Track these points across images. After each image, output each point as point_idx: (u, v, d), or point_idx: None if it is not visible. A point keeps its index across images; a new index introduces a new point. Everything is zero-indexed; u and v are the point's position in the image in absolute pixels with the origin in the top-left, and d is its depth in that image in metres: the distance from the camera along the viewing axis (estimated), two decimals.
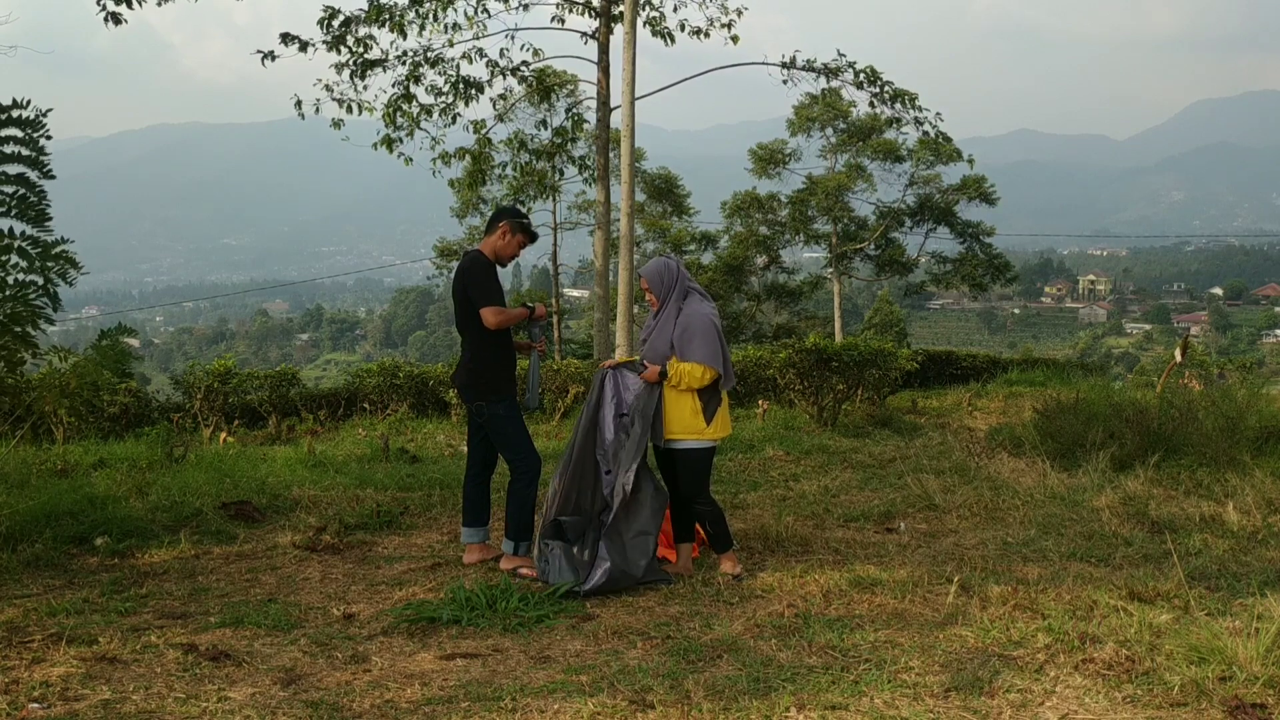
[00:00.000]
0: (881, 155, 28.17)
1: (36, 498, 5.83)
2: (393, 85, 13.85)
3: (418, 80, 13.80)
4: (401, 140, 14.07)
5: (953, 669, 3.49)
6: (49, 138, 4.75)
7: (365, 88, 13.72)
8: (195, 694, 3.33)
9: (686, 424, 4.79)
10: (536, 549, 4.91)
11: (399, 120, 13.86)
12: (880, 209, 29.34)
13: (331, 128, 13.82)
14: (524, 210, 5.43)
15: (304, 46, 13.27)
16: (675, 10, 15.13)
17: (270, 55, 13.18)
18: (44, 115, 4.71)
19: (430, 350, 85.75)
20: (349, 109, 13.68)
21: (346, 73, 13.52)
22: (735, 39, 14.75)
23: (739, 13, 14.80)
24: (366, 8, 13.19)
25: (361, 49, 13.41)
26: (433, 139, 14.26)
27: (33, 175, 4.73)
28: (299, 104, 13.72)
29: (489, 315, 4.90)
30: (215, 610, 4.34)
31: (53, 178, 4.78)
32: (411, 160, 14.11)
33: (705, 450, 4.88)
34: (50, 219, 4.79)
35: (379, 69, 13.63)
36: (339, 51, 13.37)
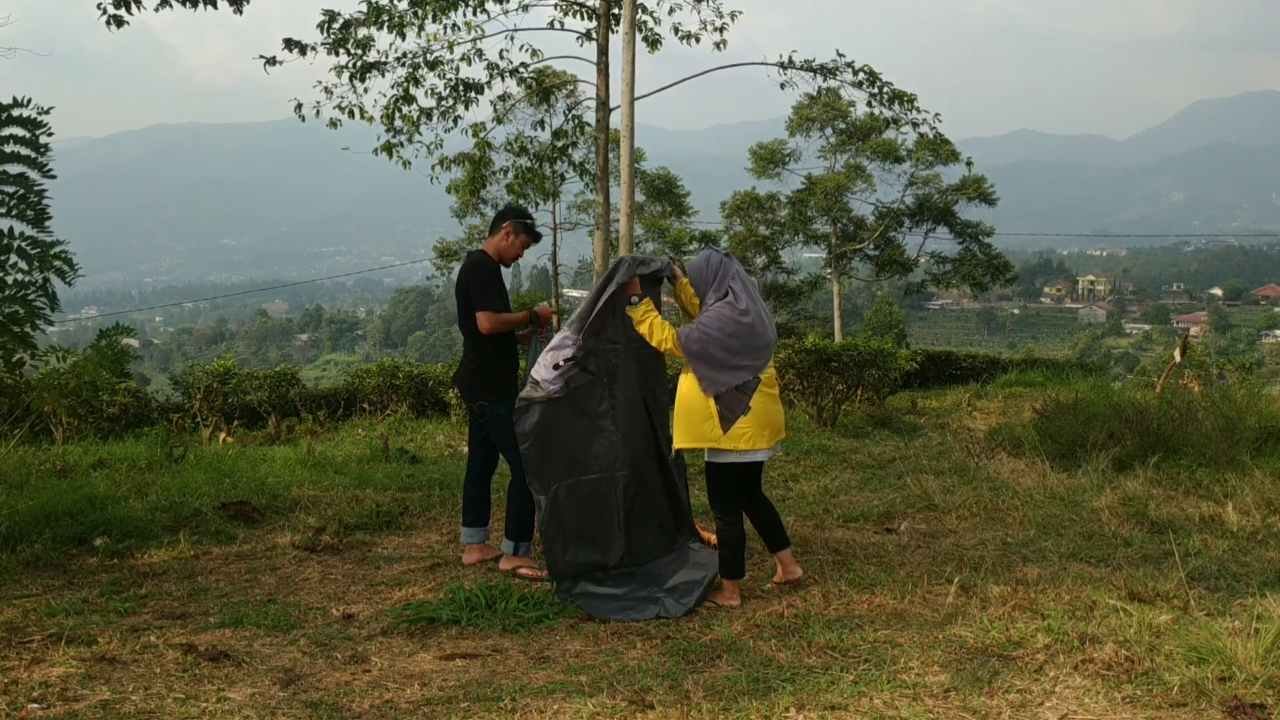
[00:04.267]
0: (881, 155, 28.14)
1: (36, 498, 5.82)
2: (392, 88, 13.83)
3: (417, 83, 13.79)
4: (401, 145, 14.06)
5: (952, 669, 3.49)
6: (50, 134, 4.73)
7: (365, 90, 13.71)
8: (195, 694, 3.33)
9: (696, 429, 4.25)
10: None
11: (398, 124, 13.85)
12: (879, 209, 29.31)
13: (329, 128, 13.80)
14: (528, 210, 5.40)
15: (304, 50, 13.28)
16: (671, 13, 15.07)
17: (272, 60, 13.18)
18: (45, 113, 4.70)
19: (430, 351, 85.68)
20: (350, 114, 13.66)
21: (346, 75, 13.51)
22: (724, 43, 14.76)
23: (732, 16, 14.79)
24: (365, 10, 13.19)
25: (360, 51, 13.40)
26: (428, 146, 14.23)
27: (33, 175, 4.72)
28: (299, 107, 13.72)
29: (483, 320, 4.91)
30: (215, 610, 4.34)
31: (53, 177, 4.76)
32: (410, 164, 14.10)
33: (719, 464, 4.33)
34: (50, 219, 4.77)
35: (378, 72, 13.62)
36: (338, 54, 13.36)
